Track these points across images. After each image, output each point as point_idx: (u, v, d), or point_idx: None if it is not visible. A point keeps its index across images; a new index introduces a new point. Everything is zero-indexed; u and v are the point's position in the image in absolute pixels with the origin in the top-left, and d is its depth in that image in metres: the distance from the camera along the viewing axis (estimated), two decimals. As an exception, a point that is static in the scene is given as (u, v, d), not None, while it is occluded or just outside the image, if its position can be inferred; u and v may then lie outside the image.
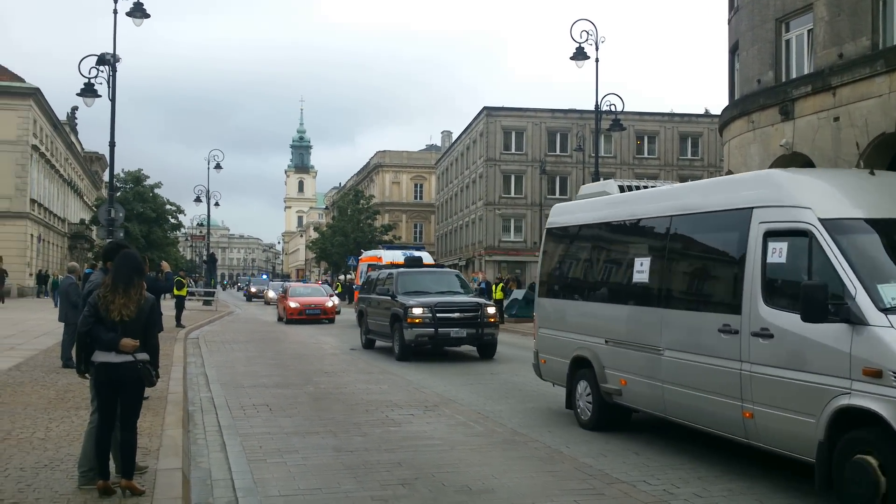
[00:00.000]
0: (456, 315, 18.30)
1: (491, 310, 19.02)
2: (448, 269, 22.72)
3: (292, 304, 33.26)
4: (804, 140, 24.04)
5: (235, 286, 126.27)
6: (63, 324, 14.63)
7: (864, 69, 21.72)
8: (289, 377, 15.21)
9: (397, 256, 29.47)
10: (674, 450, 8.96)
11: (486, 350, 19.05)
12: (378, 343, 20.96)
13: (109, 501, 6.28)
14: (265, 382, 14.38)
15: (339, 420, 10.65)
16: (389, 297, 19.30)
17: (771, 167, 25.69)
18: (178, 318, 27.66)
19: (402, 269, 20.71)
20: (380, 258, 29.99)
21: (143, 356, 6.53)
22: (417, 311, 17.98)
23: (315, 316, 33.04)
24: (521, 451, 8.93)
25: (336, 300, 36.07)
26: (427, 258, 29.77)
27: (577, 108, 67.36)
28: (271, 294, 55.65)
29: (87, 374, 6.68)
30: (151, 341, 6.65)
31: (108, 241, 9.74)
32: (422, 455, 8.59)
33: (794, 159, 24.99)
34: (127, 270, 6.55)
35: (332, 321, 33.07)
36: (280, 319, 34.40)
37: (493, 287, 33.52)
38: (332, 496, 6.96)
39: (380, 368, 16.78)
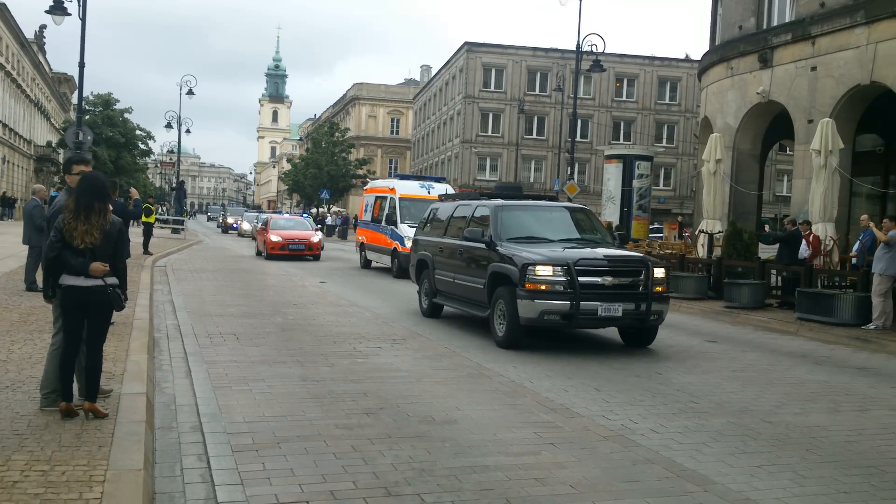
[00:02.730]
0: (608, 280, 11.36)
1: (660, 272, 11.72)
2: (573, 205, 15.72)
3: (274, 238, 30.35)
4: (781, 89, 24.05)
5: (206, 216, 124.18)
6: (27, 246, 14.48)
7: (844, 19, 21.68)
8: (257, 307, 15.21)
9: (414, 188, 25.76)
10: (634, 387, 9.11)
11: (642, 337, 12.21)
12: (448, 310, 14.87)
13: (72, 423, 6.29)
14: (233, 312, 14.38)
15: (307, 350, 10.70)
16: (484, 247, 12.49)
17: (746, 114, 25.73)
18: (145, 245, 27.48)
19: (503, 203, 13.38)
20: (392, 189, 26.10)
21: (113, 281, 6.49)
22: (544, 271, 11.15)
23: (299, 251, 30.37)
24: (485, 384, 9.04)
25: (321, 235, 33.62)
26: (449, 189, 26.40)
27: (559, 47, 66.91)
28: (246, 226, 52.98)
29: (53, 299, 6.63)
30: (118, 266, 6.61)
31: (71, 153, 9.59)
32: (387, 386, 8.67)
33: (769, 108, 25.04)
34: (88, 196, 6.44)
35: (317, 258, 30.63)
36: (259, 254, 32.09)
37: None
38: (297, 423, 7.02)
39: (349, 302, 16.81)
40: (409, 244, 21.90)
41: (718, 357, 11.69)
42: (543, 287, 11.07)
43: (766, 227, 26.64)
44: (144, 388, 7.58)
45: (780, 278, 18.89)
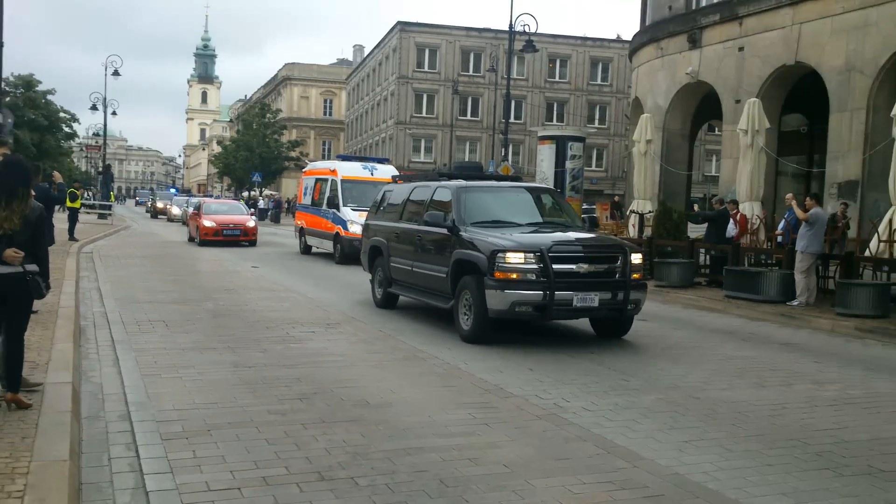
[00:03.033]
0: (583, 267, 10.44)
1: (637, 258, 10.91)
2: (540, 186, 15.41)
3: (207, 223, 28.77)
4: (709, 69, 24.47)
5: (134, 200, 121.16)
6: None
7: (770, 0, 22.10)
8: (187, 294, 14.97)
9: (356, 169, 24.73)
10: (566, 367, 9.21)
11: (618, 327, 11.40)
12: (403, 300, 13.87)
13: (-6, 414, 6.13)
14: (162, 298, 14.13)
15: (239, 336, 10.57)
16: (447, 232, 11.44)
17: (676, 95, 26.12)
18: (71, 231, 26.84)
19: (466, 184, 12.24)
20: (333, 170, 24.89)
21: (33, 267, 6.30)
22: (515, 258, 10.21)
23: (234, 237, 28.93)
24: (420, 367, 9.05)
25: (255, 219, 31.95)
26: (394, 173, 25.78)
27: (493, 27, 67.02)
28: (175, 210, 51.28)
29: None
30: (40, 253, 6.42)
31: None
32: (321, 371, 8.62)
33: (698, 88, 25.46)
34: (9, 181, 6.24)
35: (253, 244, 29.32)
36: (192, 240, 30.58)
37: None
38: (229, 410, 6.93)
39: (282, 286, 16.66)
40: (352, 228, 21.67)
41: (649, 335, 11.87)
42: (514, 276, 10.13)
43: (696, 207, 27.09)
44: (70, 377, 7.41)
45: (708, 257, 19.29)
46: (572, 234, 11.29)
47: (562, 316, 10.89)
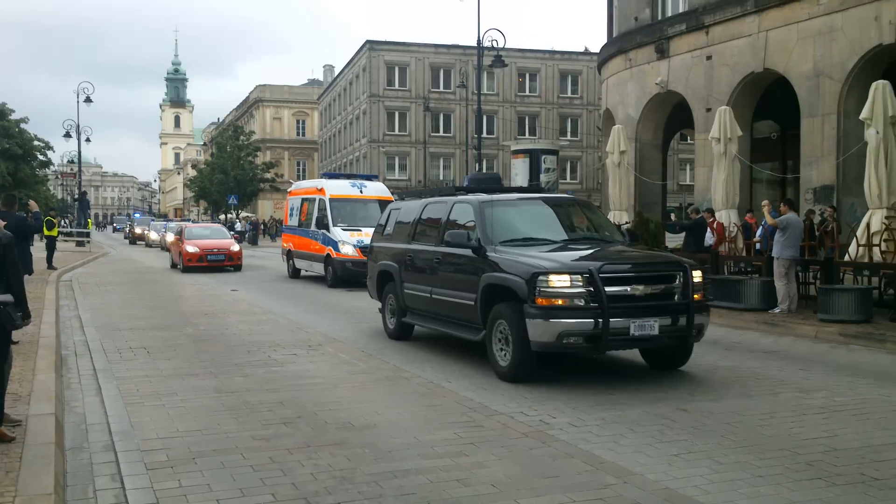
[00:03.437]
0: (638, 289, 9.08)
1: (698, 276, 9.55)
2: (569, 196, 13.60)
3: (190, 249, 27.76)
4: (678, 78, 24.67)
5: (112, 226, 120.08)
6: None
7: (735, 8, 22.38)
8: (167, 319, 14.86)
9: (344, 187, 23.63)
10: (550, 382, 9.20)
11: (676, 358, 10.04)
12: (418, 329, 12.46)
13: (-25, 451, 6.04)
14: (142, 325, 14.02)
15: (220, 361, 10.50)
16: (471, 253, 10.06)
17: (647, 105, 26.32)
18: (49, 259, 26.62)
19: (488, 199, 10.84)
20: (320, 189, 23.71)
21: (5, 298, 6.22)
22: (560, 280, 8.80)
23: (218, 262, 27.97)
24: (403, 387, 9.02)
25: (239, 243, 30.92)
26: (384, 190, 24.49)
27: (461, 43, 67.29)
28: (153, 235, 50.85)
29: None
30: (12, 281, 6.32)
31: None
32: (304, 394, 8.57)
33: (668, 98, 25.65)
34: None
35: (238, 268, 28.33)
36: (174, 266, 29.62)
37: None
38: (213, 437, 6.88)
39: (262, 309, 16.58)
40: (343, 249, 21.21)
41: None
42: (560, 302, 8.73)
43: (672, 217, 27.28)
44: (53, 408, 7.33)
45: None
46: (621, 251, 10.05)
47: (617, 346, 9.46)
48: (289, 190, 28.91)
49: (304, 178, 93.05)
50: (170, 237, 43.16)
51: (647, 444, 6.72)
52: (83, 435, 7.06)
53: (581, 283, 8.71)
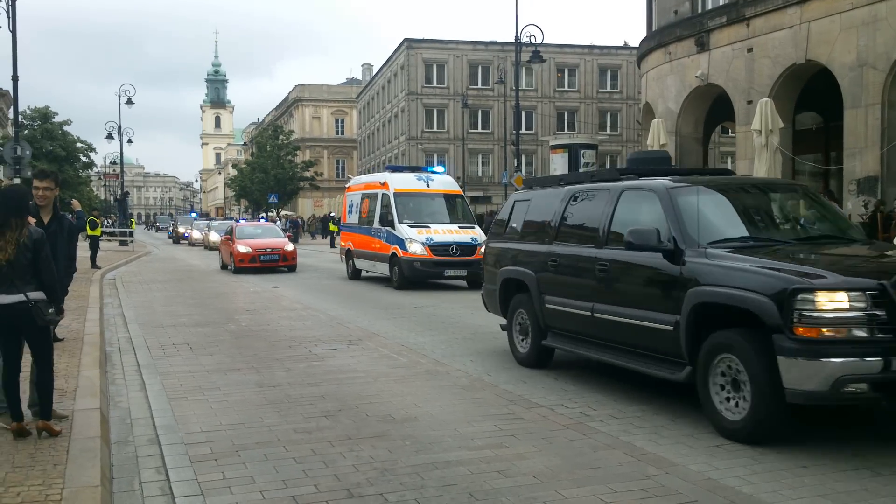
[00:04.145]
0: None
1: None
2: (782, 181, 12.02)
3: (241, 249, 26.30)
4: (719, 71, 24.40)
5: (154, 227, 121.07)
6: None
7: (776, 0, 22.06)
8: (209, 316, 15.03)
9: (410, 181, 21.97)
10: (589, 375, 9.17)
11: None
12: (559, 353, 9.86)
13: (25, 443, 6.17)
14: (185, 322, 14.19)
15: (262, 356, 10.59)
16: (663, 258, 7.48)
17: (687, 98, 26.08)
18: (93, 258, 27.05)
19: (677, 185, 8.06)
20: (384, 183, 21.90)
21: (37, 295, 6.29)
22: (834, 299, 6.11)
23: (272, 263, 26.40)
24: (443, 380, 9.03)
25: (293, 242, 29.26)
26: (452, 183, 23.08)
27: (499, 39, 67.19)
28: (196, 234, 50.96)
29: None
30: (44, 278, 6.38)
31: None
32: (345, 388, 8.62)
33: (709, 91, 25.40)
34: (4, 213, 6.26)
35: (292, 269, 26.81)
36: (225, 267, 28.24)
37: None
38: (255, 430, 6.95)
39: (303, 305, 16.69)
40: (411, 247, 19.84)
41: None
42: (836, 332, 6.06)
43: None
44: (98, 403, 7.45)
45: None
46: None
47: None
48: (347, 185, 27.41)
49: (342, 177, 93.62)
50: (213, 236, 43.65)
51: (688, 436, 6.68)
52: (128, 429, 7.17)
53: (864, 304, 6.04)
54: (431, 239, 19.90)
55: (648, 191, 8.12)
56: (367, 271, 23.20)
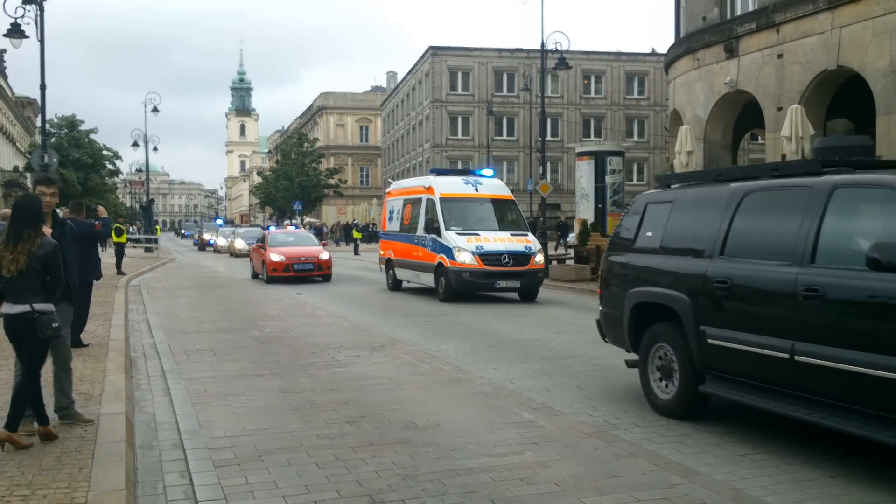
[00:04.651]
0: None
1: None
2: None
3: (274, 258, 25.01)
4: (748, 77, 24.24)
5: (180, 233, 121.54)
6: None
7: (806, 6, 21.89)
8: (234, 322, 15.09)
9: (457, 185, 20.51)
10: (613, 384, 9.11)
11: None
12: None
13: (52, 447, 6.24)
14: (209, 328, 14.26)
15: (285, 363, 10.62)
16: None
17: (715, 105, 25.92)
18: (118, 265, 27.27)
19: None
20: (429, 188, 20.36)
21: (44, 307, 6.32)
22: None
23: (306, 272, 25.02)
24: (466, 388, 9.00)
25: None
26: (502, 187, 21.57)
27: (524, 47, 67.20)
28: (222, 241, 50.18)
29: None
30: (52, 286, 6.41)
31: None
32: (368, 394, 8.62)
33: (738, 97, 25.23)
34: (16, 222, 6.30)
35: (327, 279, 25.45)
36: (256, 276, 27.06)
37: None
38: (279, 436, 6.96)
39: (327, 312, 16.72)
40: (460, 257, 18.34)
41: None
42: None
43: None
44: (123, 407, 7.50)
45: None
46: None
47: None
48: (387, 191, 25.23)
49: (366, 184, 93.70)
50: (239, 243, 43.66)
51: (712, 445, 6.61)
52: (153, 433, 7.20)
53: None
54: (482, 247, 18.44)
55: (883, 188, 6.04)
56: (409, 282, 21.86)
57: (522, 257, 18.66)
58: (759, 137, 39.20)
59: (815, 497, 5.38)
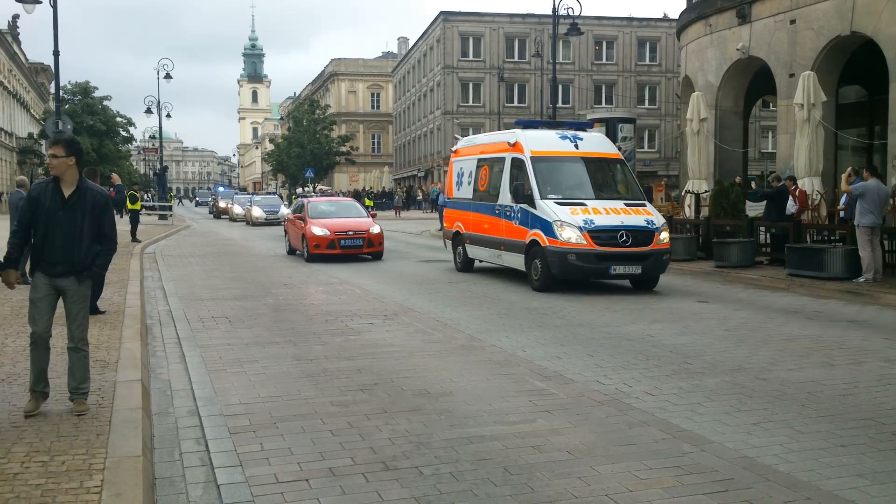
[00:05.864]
0: None
1: None
2: None
3: (317, 231, 20.93)
4: (760, 43, 24.00)
5: (193, 200, 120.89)
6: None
7: (820, -30, 21.61)
8: (248, 290, 15.17)
9: (552, 141, 16.23)
10: (625, 351, 9.15)
11: None
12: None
13: (69, 413, 6.29)
14: (224, 295, 14.34)
15: (299, 330, 10.69)
16: None
17: (727, 71, 25.71)
18: (133, 232, 27.35)
19: None
20: (515, 144, 16.15)
21: None
22: None
23: (355, 249, 21.06)
24: (478, 355, 9.06)
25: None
26: (607, 143, 17.16)
27: (536, 12, 66.64)
28: (237, 209, 49.30)
29: None
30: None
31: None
32: (381, 362, 8.68)
33: (750, 63, 25.00)
34: None
35: (378, 256, 21.49)
36: (292, 252, 23.19)
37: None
38: (293, 402, 7.03)
39: (339, 279, 16.79)
40: (563, 234, 14.25)
41: (710, 317, 11.74)
42: None
43: (753, 185, 26.72)
44: (139, 374, 7.58)
45: (768, 235, 18.96)
46: None
47: None
48: (453, 149, 20.40)
49: (378, 151, 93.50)
50: (256, 211, 43.16)
51: (725, 413, 6.64)
52: (168, 400, 7.29)
53: None
54: (592, 222, 14.30)
55: None
56: (483, 261, 17.96)
57: (644, 235, 14.50)
58: (771, 104, 38.86)
59: (828, 465, 5.41)
